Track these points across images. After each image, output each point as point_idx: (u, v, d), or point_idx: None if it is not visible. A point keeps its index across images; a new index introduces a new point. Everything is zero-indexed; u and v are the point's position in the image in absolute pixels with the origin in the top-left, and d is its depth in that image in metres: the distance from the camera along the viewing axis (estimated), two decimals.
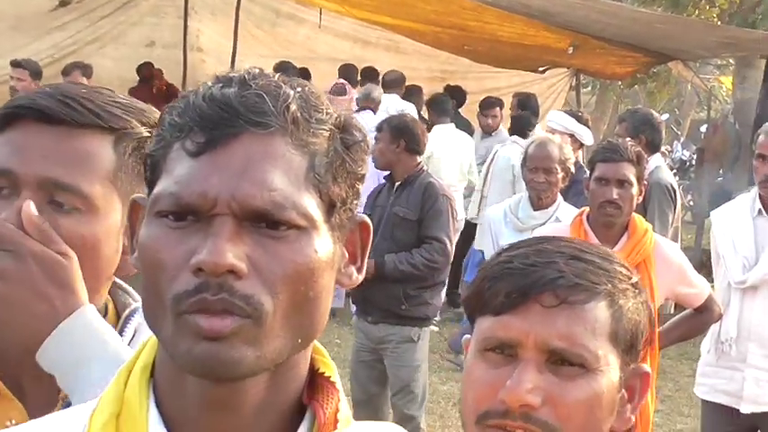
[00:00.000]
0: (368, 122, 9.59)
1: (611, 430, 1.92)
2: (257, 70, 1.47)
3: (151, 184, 1.46)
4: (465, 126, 13.96)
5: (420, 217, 7.40)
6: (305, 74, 14.22)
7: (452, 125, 12.67)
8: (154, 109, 2.07)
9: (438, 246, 7.37)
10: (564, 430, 1.84)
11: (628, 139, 6.57)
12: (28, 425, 1.63)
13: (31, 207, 1.81)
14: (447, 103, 13.16)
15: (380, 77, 14.40)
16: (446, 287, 10.74)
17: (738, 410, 5.91)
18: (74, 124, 1.90)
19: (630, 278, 1.90)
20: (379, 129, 7.63)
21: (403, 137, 7.48)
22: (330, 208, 1.45)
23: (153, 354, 1.50)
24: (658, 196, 7.85)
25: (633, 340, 1.90)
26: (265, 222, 1.39)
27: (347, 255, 1.52)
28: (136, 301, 2.16)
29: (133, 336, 2.10)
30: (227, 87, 1.42)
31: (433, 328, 8.37)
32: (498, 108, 13.50)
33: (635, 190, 5.53)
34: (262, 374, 1.43)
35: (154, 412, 1.48)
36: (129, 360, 1.55)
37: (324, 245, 1.44)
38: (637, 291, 1.91)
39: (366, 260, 1.56)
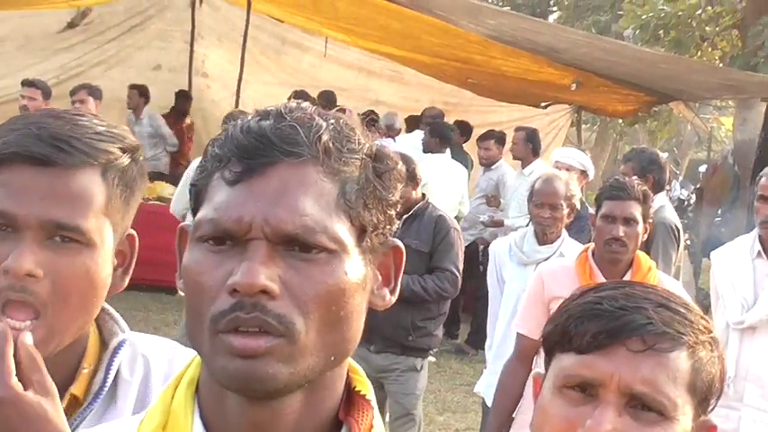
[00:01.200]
0: None
1: None
2: (294, 104, 1.51)
3: (195, 212, 1.51)
4: (463, 159, 14.01)
5: (432, 249, 7.47)
6: (330, 96, 14.30)
7: (448, 155, 12.68)
8: (129, 133, 2.12)
9: (450, 276, 7.44)
10: None
11: (634, 177, 6.60)
12: (92, 430, 1.69)
13: (27, 337, 1.82)
14: (450, 133, 13.16)
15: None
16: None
17: None
18: (66, 165, 1.93)
19: (711, 332, 1.89)
20: None
21: (407, 173, 7.47)
22: (361, 233, 1.49)
23: (199, 369, 1.55)
24: (663, 236, 7.85)
25: (708, 393, 1.88)
26: (298, 246, 1.43)
27: (380, 277, 1.56)
28: (123, 330, 2.18)
29: (117, 370, 2.11)
30: (264, 120, 1.47)
31: (430, 359, 8.40)
32: (492, 141, 13.44)
33: (640, 228, 5.54)
34: (297, 392, 1.47)
35: (198, 424, 1.52)
36: (177, 375, 1.59)
37: (355, 267, 1.47)
38: (714, 344, 1.89)
39: (399, 283, 1.59)
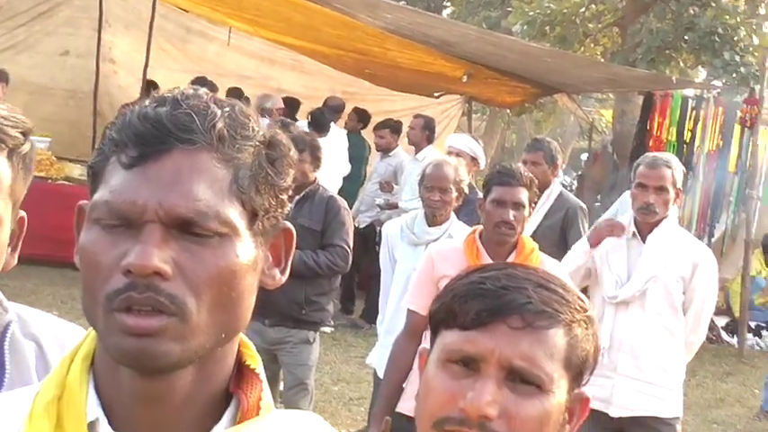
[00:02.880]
0: None
1: None
2: (191, 91, 1.49)
3: (92, 193, 1.47)
4: (361, 145, 14.08)
5: (324, 227, 7.50)
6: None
7: (329, 138, 12.63)
8: (22, 115, 2.07)
9: (341, 251, 7.48)
10: None
11: (520, 164, 6.66)
12: None
13: None
14: (325, 119, 13.18)
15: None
16: (341, 296, 10.89)
17: (608, 414, 6.14)
18: None
19: (586, 311, 1.89)
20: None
21: (307, 146, 7.53)
22: (253, 217, 1.47)
23: (94, 343, 1.52)
24: (580, 217, 8.01)
25: (582, 367, 1.88)
26: (191, 229, 1.42)
27: (271, 258, 1.55)
28: (6, 310, 2.12)
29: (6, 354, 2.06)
30: (161, 107, 1.44)
31: (326, 329, 8.42)
32: (387, 130, 13.51)
33: (527, 212, 5.66)
34: (189, 368, 1.45)
35: (93, 397, 1.49)
36: (73, 348, 1.55)
37: (246, 250, 1.46)
38: (590, 322, 1.90)
39: (290, 263, 1.59)
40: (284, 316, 7.38)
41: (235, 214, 1.45)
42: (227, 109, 1.48)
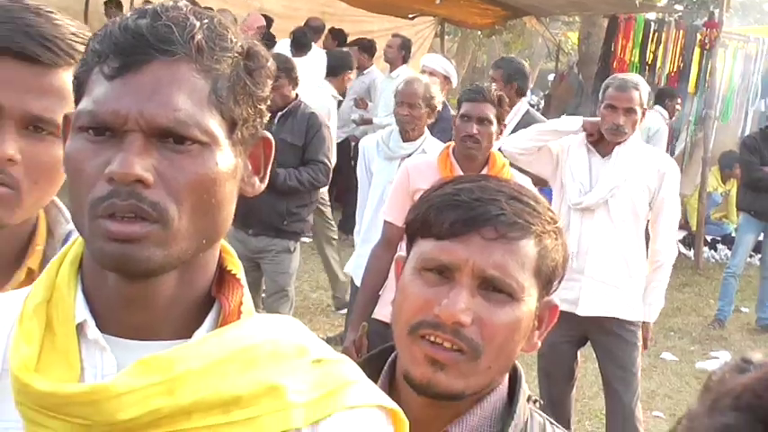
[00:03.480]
0: None
1: (521, 350, 1.93)
2: (171, 3, 1.48)
3: (76, 103, 1.48)
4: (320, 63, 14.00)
5: (305, 143, 7.53)
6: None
7: (309, 58, 12.55)
8: (89, 31, 2.02)
9: (322, 167, 7.55)
10: (485, 348, 1.84)
11: (493, 83, 6.67)
12: None
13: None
14: (306, 38, 13.05)
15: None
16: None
17: (575, 316, 6.16)
18: (51, 64, 1.90)
19: (556, 222, 1.92)
20: None
21: (282, 72, 7.48)
22: (232, 126, 1.48)
23: (82, 248, 1.53)
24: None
25: (552, 276, 1.91)
26: (171, 138, 1.42)
27: (251, 167, 1.56)
28: (68, 221, 2.14)
29: None
30: (142, 19, 1.44)
31: (305, 239, 8.44)
32: (356, 48, 13.52)
33: (494, 128, 5.65)
34: (172, 272, 1.47)
35: (81, 299, 1.50)
36: (61, 253, 1.57)
37: (225, 158, 1.47)
38: (559, 233, 1.92)
39: (269, 171, 1.59)
40: (266, 226, 7.46)
41: (214, 124, 1.45)
42: (206, 21, 1.47)
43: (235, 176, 1.50)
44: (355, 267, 6.80)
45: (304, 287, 10.05)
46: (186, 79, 1.43)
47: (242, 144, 1.51)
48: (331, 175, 7.79)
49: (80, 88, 1.48)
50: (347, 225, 11.08)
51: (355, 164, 8.29)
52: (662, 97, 13.35)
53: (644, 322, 6.35)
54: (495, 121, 5.66)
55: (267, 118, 1.57)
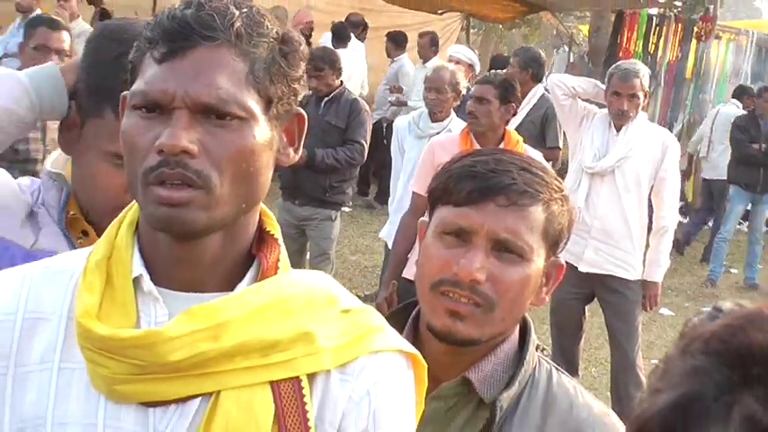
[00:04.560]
0: None
1: (531, 304, 1.90)
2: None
3: (131, 84, 1.48)
4: (360, 55, 13.86)
5: (346, 125, 7.49)
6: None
7: (350, 49, 12.49)
8: None
9: (359, 147, 7.49)
10: (499, 302, 1.82)
11: (504, 71, 6.72)
12: (54, 257, 1.65)
13: None
14: (346, 32, 12.94)
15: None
16: (358, 182, 10.90)
17: (582, 273, 6.19)
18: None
19: (562, 191, 1.89)
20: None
21: (327, 63, 7.53)
22: (268, 103, 1.47)
23: (137, 213, 1.53)
24: (556, 116, 7.75)
25: (558, 238, 1.89)
26: (214, 114, 1.42)
27: (286, 139, 1.54)
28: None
29: None
30: (187, 9, 1.44)
31: (345, 209, 8.45)
32: (386, 38, 13.55)
33: (492, 107, 5.73)
34: (216, 233, 1.47)
35: (137, 257, 1.51)
36: (119, 216, 1.57)
37: (262, 132, 1.46)
38: (565, 200, 1.90)
39: (302, 143, 1.57)
40: (311, 198, 7.44)
41: (251, 101, 1.44)
42: (245, 10, 1.47)
43: (271, 148, 1.49)
44: (388, 234, 6.79)
45: (344, 251, 10.03)
46: (227, 62, 1.43)
47: (277, 119, 1.50)
48: (366, 154, 7.74)
49: (134, 71, 1.48)
50: (382, 197, 11.05)
51: (388, 143, 8.29)
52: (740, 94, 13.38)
53: (652, 282, 6.30)
54: (495, 101, 5.71)
55: (301, 96, 1.55)
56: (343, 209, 7.89)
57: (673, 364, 0.71)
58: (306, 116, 1.57)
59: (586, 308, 6.54)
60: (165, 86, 1.42)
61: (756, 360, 0.66)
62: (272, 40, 1.48)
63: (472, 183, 1.82)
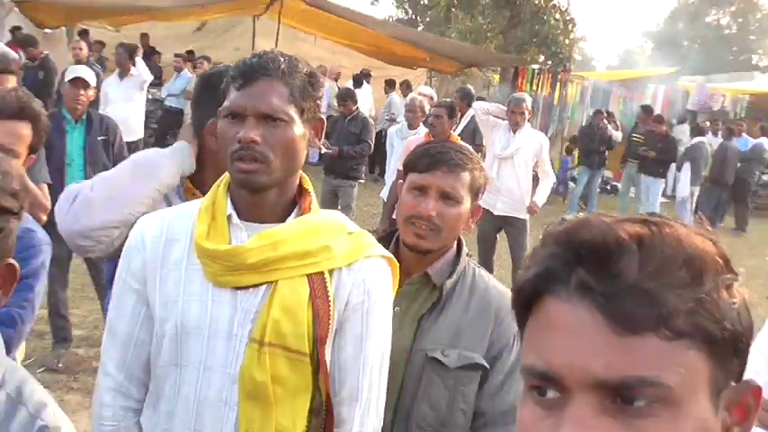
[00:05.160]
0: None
1: (463, 229, 1.77)
2: (270, 51, 1.41)
3: (222, 102, 1.42)
4: (368, 94, 13.66)
5: (360, 132, 7.42)
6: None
7: (363, 89, 12.41)
8: None
9: (367, 145, 7.43)
10: (444, 227, 1.72)
11: (450, 99, 6.67)
12: (180, 205, 1.58)
13: None
14: (360, 79, 12.95)
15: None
16: (368, 165, 10.79)
17: (493, 214, 6.17)
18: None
19: (480, 164, 1.80)
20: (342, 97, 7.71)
21: (349, 98, 7.49)
22: (301, 112, 1.40)
23: (228, 177, 1.47)
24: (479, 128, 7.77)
25: (478, 191, 1.78)
26: (270, 119, 1.36)
27: (313, 133, 1.46)
28: None
29: None
30: (254, 58, 1.39)
31: (361, 181, 8.41)
32: (389, 86, 13.40)
33: (444, 120, 5.64)
34: (272, 189, 1.41)
35: (229, 203, 1.44)
36: (218, 182, 1.49)
37: (299, 129, 1.40)
38: (482, 169, 1.80)
39: (322, 136, 1.50)
40: (340, 174, 7.33)
41: (292, 111, 1.39)
42: (287, 58, 1.41)
43: (304, 138, 1.42)
44: (385, 194, 6.76)
45: (359, 204, 9.74)
46: (276, 88, 1.37)
47: (308, 122, 1.42)
48: (372, 149, 7.65)
49: (224, 95, 1.41)
50: (382, 174, 10.87)
51: (384, 143, 8.21)
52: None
53: (534, 202, 6.23)
54: (445, 117, 5.63)
55: (324, 107, 1.50)
56: (359, 181, 7.80)
57: (537, 250, 0.68)
58: (325, 120, 1.50)
59: (498, 235, 6.49)
60: (241, 103, 1.37)
61: (585, 247, 0.63)
62: (303, 74, 1.42)
63: (428, 159, 1.74)
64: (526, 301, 0.67)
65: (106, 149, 4.50)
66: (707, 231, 0.66)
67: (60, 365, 4.47)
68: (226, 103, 1.40)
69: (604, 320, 0.61)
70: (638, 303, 0.60)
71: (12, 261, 1.03)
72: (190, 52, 12.86)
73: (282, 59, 1.39)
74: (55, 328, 4.62)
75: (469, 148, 1.89)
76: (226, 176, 1.49)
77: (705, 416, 0.62)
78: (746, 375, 0.65)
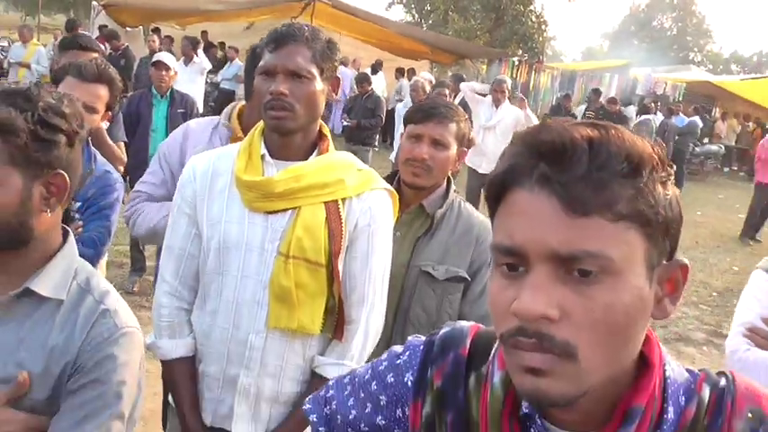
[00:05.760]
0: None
1: (451, 170, 1.69)
2: (298, 23, 1.36)
3: (258, 63, 1.37)
4: (381, 79, 13.37)
5: (374, 108, 7.29)
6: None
7: (378, 75, 11.97)
8: None
9: (379, 118, 7.31)
10: (434, 167, 1.64)
11: (448, 85, 6.53)
12: (224, 147, 1.50)
13: None
14: (376, 67, 12.55)
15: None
16: (381, 135, 10.63)
17: (478, 171, 6.06)
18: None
19: (466, 116, 1.71)
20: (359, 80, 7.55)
21: (366, 81, 7.34)
22: (321, 71, 1.34)
23: (262, 126, 1.39)
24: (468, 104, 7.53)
25: (463, 138, 1.69)
26: (296, 76, 1.31)
27: (331, 89, 1.39)
28: None
29: None
30: (284, 27, 1.34)
31: (375, 148, 8.30)
32: (399, 73, 13.01)
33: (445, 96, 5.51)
34: (298, 132, 1.35)
35: (263, 145, 1.39)
36: (253, 128, 1.41)
37: (319, 85, 1.34)
38: (466, 120, 1.71)
39: (339, 92, 1.41)
40: (358, 140, 7.19)
41: (314, 69, 1.33)
42: (310, 28, 1.34)
43: (323, 93, 1.35)
44: (392, 157, 6.66)
45: (373, 166, 9.67)
46: (301, 51, 1.32)
47: (326, 79, 1.36)
48: (383, 121, 7.50)
49: (259, 57, 1.37)
50: (392, 142, 10.48)
51: (392, 117, 8.10)
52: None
53: None
54: (446, 95, 5.53)
55: (338, 65, 1.38)
56: (374, 147, 7.72)
57: (507, 149, 0.64)
58: (340, 79, 1.42)
59: (482, 190, 6.40)
60: (272, 62, 1.33)
61: (545, 146, 0.60)
62: (324, 41, 1.36)
63: (422, 112, 1.66)
64: (496, 194, 0.64)
65: (185, 120, 4.49)
66: (649, 140, 0.62)
67: (135, 289, 4.49)
68: (261, 63, 1.35)
69: (560, 205, 0.59)
70: (588, 191, 0.58)
71: (62, 171, 0.96)
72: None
73: (307, 29, 1.35)
74: (133, 260, 4.64)
75: (456, 104, 1.81)
76: (260, 123, 1.43)
77: (641, 285, 0.60)
78: (746, 316, 0.59)
